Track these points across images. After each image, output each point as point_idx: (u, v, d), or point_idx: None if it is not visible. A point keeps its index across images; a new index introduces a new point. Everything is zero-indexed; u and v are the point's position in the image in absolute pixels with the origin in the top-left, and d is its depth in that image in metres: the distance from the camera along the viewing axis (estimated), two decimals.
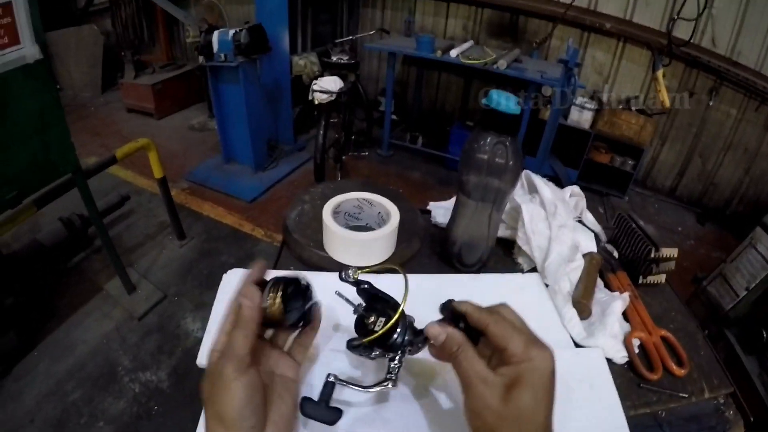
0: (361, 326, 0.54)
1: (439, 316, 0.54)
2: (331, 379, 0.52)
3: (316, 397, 0.51)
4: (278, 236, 2.98)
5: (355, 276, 0.55)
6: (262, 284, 0.51)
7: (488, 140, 0.69)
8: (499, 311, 0.51)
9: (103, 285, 2.47)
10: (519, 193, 0.93)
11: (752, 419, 0.74)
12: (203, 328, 2.26)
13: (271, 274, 0.54)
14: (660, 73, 2.85)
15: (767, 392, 1.65)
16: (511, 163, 0.70)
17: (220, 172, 3.61)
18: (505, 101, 0.66)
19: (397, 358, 0.52)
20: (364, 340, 0.51)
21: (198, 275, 2.63)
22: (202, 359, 0.63)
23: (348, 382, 0.52)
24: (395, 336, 0.52)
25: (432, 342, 0.51)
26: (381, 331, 0.51)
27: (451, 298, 0.55)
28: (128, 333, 2.25)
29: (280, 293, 0.49)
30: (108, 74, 4.98)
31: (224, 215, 3.19)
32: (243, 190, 3.41)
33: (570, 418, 0.62)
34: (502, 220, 0.91)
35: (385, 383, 0.52)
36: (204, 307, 2.42)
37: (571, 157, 3.73)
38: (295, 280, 0.52)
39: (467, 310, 0.51)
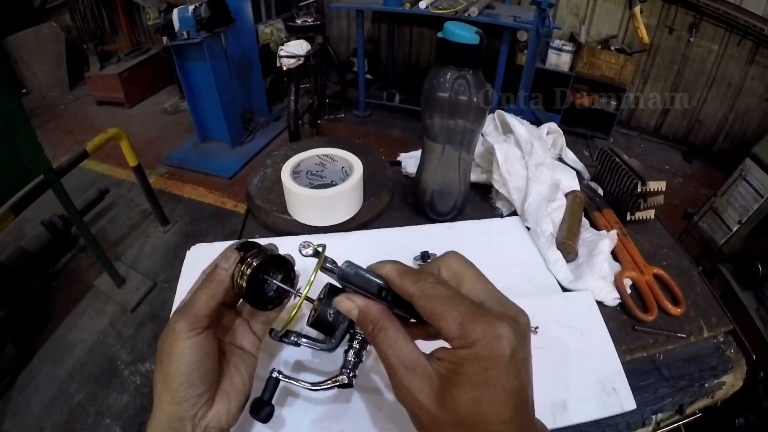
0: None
1: None
2: (275, 375, 0.45)
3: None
4: None
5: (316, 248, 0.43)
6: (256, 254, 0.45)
7: (448, 76, 0.64)
8: (430, 273, 0.38)
9: (93, 282, 2.43)
10: (493, 135, 0.88)
11: (754, 357, 0.71)
12: None
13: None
14: (637, 9, 2.76)
15: (766, 327, 1.64)
16: (475, 99, 0.65)
17: (197, 152, 3.54)
18: (462, 31, 0.61)
19: (353, 350, 0.44)
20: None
21: (185, 259, 2.59)
22: None
23: (294, 379, 0.45)
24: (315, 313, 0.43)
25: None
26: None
27: (425, 250, 0.47)
28: (123, 326, 2.22)
29: (249, 270, 0.42)
30: (74, 70, 4.82)
31: (205, 195, 3.14)
32: (222, 167, 3.35)
33: (562, 366, 0.59)
34: (476, 163, 0.87)
35: (337, 381, 0.43)
36: None
37: (552, 102, 3.67)
38: (283, 262, 0.45)
39: (387, 275, 0.38)
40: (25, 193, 1.81)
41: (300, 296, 0.41)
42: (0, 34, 4.23)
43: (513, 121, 0.88)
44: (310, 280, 0.41)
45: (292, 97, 2.94)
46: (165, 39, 3.04)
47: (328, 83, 3.90)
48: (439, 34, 0.63)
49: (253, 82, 3.75)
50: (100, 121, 4.18)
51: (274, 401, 0.45)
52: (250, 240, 0.47)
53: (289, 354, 0.56)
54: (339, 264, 0.40)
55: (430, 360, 0.35)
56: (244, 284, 0.42)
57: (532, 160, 0.82)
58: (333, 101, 4.06)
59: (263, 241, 0.50)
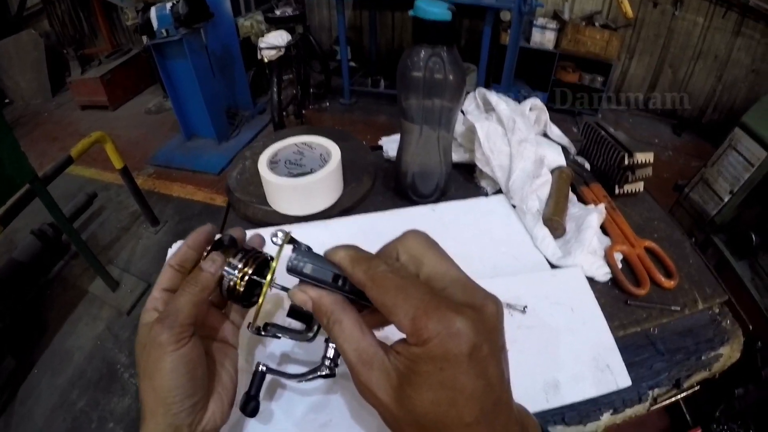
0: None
1: None
2: (262, 368, 0.44)
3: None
4: None
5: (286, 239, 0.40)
6: (217, 245, 0.44)
7: (422, 54, 0.62)
8: (384, 258, 0.35)
9: (87, 287, 2.42)
10: (474, 113, 0.86)
11: (751, 327, 0.70)
12: None
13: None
14: None
15: (762, 298, 1.63)
16: (451, 77, 0.63)
17: (183, 150, 3.51)
18: (433, 8, 0.59)
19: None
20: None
21: (167, 256, 2.58)
22: None
23: (279, 372, 0.45)
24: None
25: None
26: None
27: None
28: (120, 330, 2.22)
29: (250, 270, 0.41)
30: (55, 76, 4.75)
31: (194, 192, 3.12)
32: (209, 163, 3.32)
33: (553, 345, 0.58)
34: (459, 143, 0.86)
35: (319, 371, 0.42)
36: None
37: (538, 80, 3.66)
38: (265, 258, 0.44)
39: (339, 263, 0.36)
40: (12, 204, 1.80)
41: (264, 283, 0.40)
42: None
43: (494, 98, 0.86)
44: (272, 266, 0.39)
45: (275, 89, 2.91)
46: (144, 38, 3.01)
47: (312, 73, 3.87)
48: (411, 12, 0.61)
49: (235, 77, 3.72)
50: (84, 125, 4.13)
51: (261, 394, 0.44)
52: (219, 236, 0.45)
53: (274, 346, 0.55)
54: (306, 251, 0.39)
55: (389, 353, 0.32)
56: (242, 290, 0.41)
57: (515, 136, 0.80)
58: (317, 91, 4.03)
59: (244, 233, 0.48)
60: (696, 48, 3.49)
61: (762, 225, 1.75)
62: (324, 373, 0.41)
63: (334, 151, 0.75)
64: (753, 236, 1.73)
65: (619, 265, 0.70)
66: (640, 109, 3.94)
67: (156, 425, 0.38)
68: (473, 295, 0.31)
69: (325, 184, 0.73)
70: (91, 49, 4.95)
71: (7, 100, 4.58)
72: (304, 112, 3.52)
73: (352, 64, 4.08)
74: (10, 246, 2.51)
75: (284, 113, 3.07)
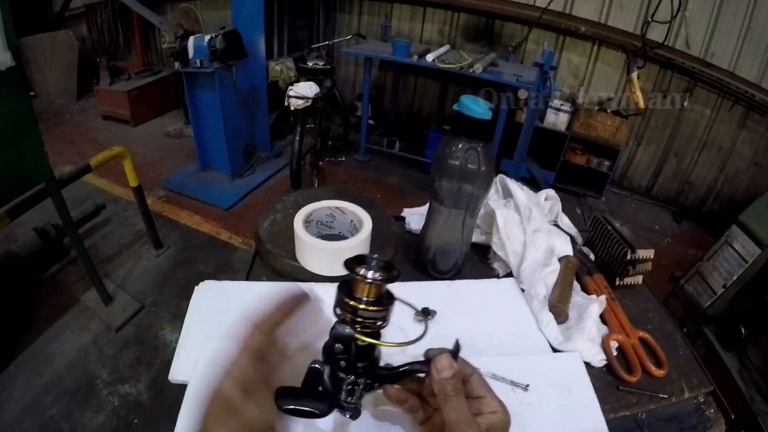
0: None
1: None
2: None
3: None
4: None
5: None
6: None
7: (460, 146, 0.69)
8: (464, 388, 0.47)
9: (80, 296, 2.40)
10: (493, 198, 0.92)
11: (733, 417, 0.74)
12: None
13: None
14: (634, 75, 2.89)
15: (747, 389, 1.67)
16: (483, 168, 0.70)
17: (196, 179, 3.55)
18: (476, 106, 0.66)
19: (359, 383, 0.46)
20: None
21: (175, 285, 2.59)
22: (175, 374, 0.61)
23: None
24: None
25: (426, 374, 0.46)
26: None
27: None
28: (106, 345, 2.19)
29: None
30: (83, 80, 4.88)
31: (201, 223, 3.14)
32: (220, 197, 3.36)
33: (549, 422, 0.62)
34: (477, 225, 0.91)
35: (343, 412, 0.45)
36: (182, 317, 2.32)
37: (547, 159, 3.75)
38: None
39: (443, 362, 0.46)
40: (24, 199, 1.80)
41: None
42: (17, 35, 4.26)
43: (513, 186, 0.92)
44: None
45: (297, 137, 2.97)
46: (177, 64, 3.12)
47: (332, 125, 3.94)
48: (455, 107, 0.67)
49: (258, 117, 3.80)
50: (103, 135, 4.22)
51: None
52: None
53: None
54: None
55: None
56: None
57: (530, 225, 0.86)
58: (335, 143, 4.10)
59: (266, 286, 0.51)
60: (702, 139, 3.62)
61: (752, 318, 1.81)
62: (347, 416, 0.45)
63: (366, 220, 0.81)
64: (742, 329, 1.79)
65: (614, 353, 0.75)
66: (642, 194, 4.04)
67: None
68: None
69: (356, 251, 0.77)
70: (123, 62, 5.10)
71: (32, 93, 4.62)
72: (320, 163, 3.58)
73: (371, 122, 4.17)
74: (10, 238, 2.52)
75: (302, 161, 3.13)
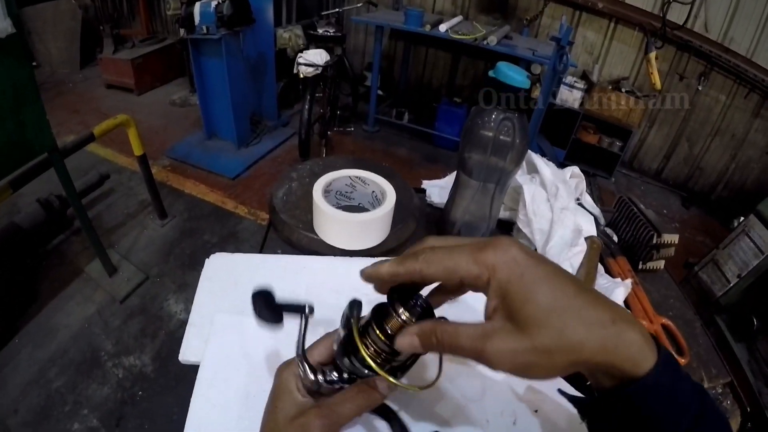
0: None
1: None
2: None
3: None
4: (262, 214, 2.92)
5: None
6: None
7: (494, 116, 0.64)
8: (422, 248, 0.39)
9: (84, 267, 2.39)
10: (518, 173, 0.88)
11: (749, 409, 0.73)
12: (186, 310, 2.22)
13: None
14: (652, 55, 2.81)
15: (756, 381, 1.66)
16: (517, 141, 0.65)
17: (201, 148, 3.51)
18: (514, 73, 0.61)
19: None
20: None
21: (180, 255, 2.57)
22: (185, 355, 0.58)
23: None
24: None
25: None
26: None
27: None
28: (110, 316, 2.19)
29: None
30: (86, 49, 4.79)
31: (206, 193, 3.10)
32: (225, 166, 3.32)
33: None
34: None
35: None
36: (187, 288, 2.36)
37: (558, 137, 3.70)
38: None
39: (390, 271, 0.39)
40: (26, 170, 1.77)
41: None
42: (18, 5, 4.19)
43: (539, 161, 0.88)
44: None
45: (307, 106, 2.92)
46: (182, 31, 3.04)
47: (340, 95, 3.89)
48: (491, 73, 0.63)
49: (265, 85, 3.74)
50: (107, 104, 4.16)
51: None
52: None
53: None
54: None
55: (486, 321, 0.36)
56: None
57: (557, 203, 0.82)
58: (343, 113, 4.05)
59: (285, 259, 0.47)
60: (715, 125, 3.56)
61: (764, 310, 1.79)
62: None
63: (389, 191, 0.77)
64: (755, 320, 1.77)
65: None
66: (652, 177, 3.99)
67: None
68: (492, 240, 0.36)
69: (379, 224, 0.74)
70: (127, 30, 5.00)
71: (34, 63, 4.56)
72: (329, 133, 3.52)
73: (380, 92, 4.11)
74: (13, 209, 2.50)
75: (310, 131, 3.08)
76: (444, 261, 0.36)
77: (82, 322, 2.14)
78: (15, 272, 2.23)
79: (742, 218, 2.12)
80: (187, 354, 0.57)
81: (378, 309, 0.40)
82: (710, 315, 1.92)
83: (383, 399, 0.41)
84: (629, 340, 0.31)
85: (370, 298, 0.41)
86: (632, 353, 0.31)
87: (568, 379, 0.44)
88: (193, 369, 0.56)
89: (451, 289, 0.40)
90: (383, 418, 0.45)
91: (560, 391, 0.43)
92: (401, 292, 0.40)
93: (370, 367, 0.38)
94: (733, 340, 1.82)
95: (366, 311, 0.41)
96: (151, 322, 2.18)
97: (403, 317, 0.38)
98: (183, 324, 2.24)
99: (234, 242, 2.70)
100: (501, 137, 0.65)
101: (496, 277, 0.34)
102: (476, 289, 0.37)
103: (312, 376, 0.41)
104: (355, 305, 0.40)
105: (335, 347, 0.42)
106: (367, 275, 0.40)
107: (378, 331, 0.38)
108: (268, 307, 0.44)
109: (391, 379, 0.38)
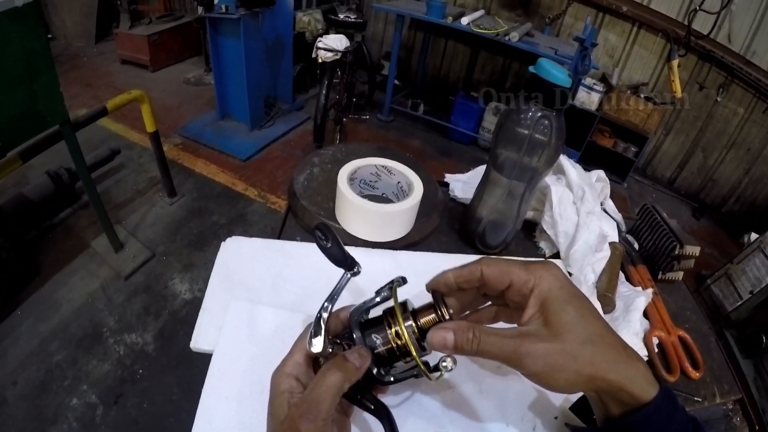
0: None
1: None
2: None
3: None
4: (272, 197, 2.91)
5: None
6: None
7: (531, 113, 0.62)
8: (480, 257, 0.45)
9: (90, 242, 2.38)
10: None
11: (757, 428, 0.72)
12: (191, 290, 2.22)
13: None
14: (675, 63, 2.76)
15: (760, 398, 1.65)
16: (553, 140, 0.63)
17: (214, 128, 3.49)
18: (556, 71, 0.59)
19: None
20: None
21: (187, 234, 2.56)
22: (197, 342, 0.56)
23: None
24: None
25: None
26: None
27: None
28: (114, 293, 2.18)
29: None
30: (103, 24, 4.76)
31: (217, 173, 3.09)
32: (237, 147, 3.30)
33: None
34: None
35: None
36: (192, 268, 2.35)
37: (574, 138, 3.65)
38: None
39: (455, 274, 0.44)
40: (37, 141, 1.76)
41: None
42: None
43: (566, 162, 0.86)
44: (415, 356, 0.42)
45: (324, 91, 2.88)
46: (200, 9, 3.00)
47: (357, 82, 3.85)
48: (531, 69, 0.61)
49: (281, 68, 3.71)
50: (121, 79, 4.14)
51: None
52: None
53: None
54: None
55: (523, 326, 0.41)
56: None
57: (583, 207, 0.80)
58: (359, 101, 4.01)
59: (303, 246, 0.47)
60: (731, 137, 3.51)
61: None
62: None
63: (417, 183, 0.75)
64: (764, 338, 1.75)
65: (656, 350, 0.72)
66: (665, 185, 3.95)
67: None
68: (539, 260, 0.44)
69: (405, 216, 0.72)
70: (144, 6, 4.96)
71: (49, 36, 4.53)
72: (344, 119, 3.50)
73: (397, 82, 4.07)
74: (21, 180, 2.49)
75: (326, 116, 3.05)
76: (501, 265, 0.43)
77: (85, 297, 2.14)
78: (21, 243, 2.22)
79: (753, 233, 2.10)
80: (199, 342, 0.55)
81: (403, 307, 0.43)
82: (719, 329, 1.91)
83: (359, 372, 0.40)
84: (636, 367, 0.37)
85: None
86: (639, 379, 0.37)
87: (575, 410, 0.49)
88: (197, 354, 0.55)
89: (495, 294, 0.45)
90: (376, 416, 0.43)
91: (567, 425, 0.47)
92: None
93: (399, 339, 0.41)
94: (741, 356, 1.80)
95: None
96: (155, 300, 2.18)
97: (446, 315, 0.42)
98: (187, 304, 2.27)
99: (242, 224, 2.69)
100: (536, 135, 0.63)
101: (540, 286, 0.40)
102: (518, 298, 0.42)
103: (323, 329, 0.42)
104: (395, 281, 0.44)
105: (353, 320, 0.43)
106: (434, 284, 0.45)
107: (411, 320, 0.42)
108: (340, 249, 0.45)
109: (414, 353, 0.41)
